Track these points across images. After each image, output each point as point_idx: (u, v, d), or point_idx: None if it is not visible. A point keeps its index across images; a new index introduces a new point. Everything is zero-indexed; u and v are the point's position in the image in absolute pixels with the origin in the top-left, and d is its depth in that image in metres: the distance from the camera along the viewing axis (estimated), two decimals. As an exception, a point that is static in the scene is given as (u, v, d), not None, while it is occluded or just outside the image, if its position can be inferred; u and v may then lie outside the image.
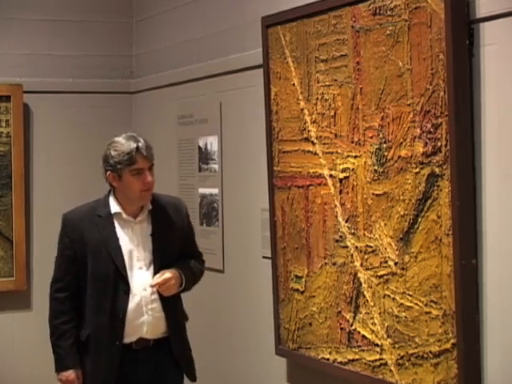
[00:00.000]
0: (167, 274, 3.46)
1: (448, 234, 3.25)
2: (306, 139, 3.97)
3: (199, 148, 5.26)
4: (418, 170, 3.41)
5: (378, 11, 3.52)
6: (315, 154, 3.92)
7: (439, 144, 3.28)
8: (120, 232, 3.42)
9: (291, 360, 4.22)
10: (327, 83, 3.87)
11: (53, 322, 3.46)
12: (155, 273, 3.42)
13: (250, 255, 4.65)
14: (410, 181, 3.45)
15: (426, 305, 3.36)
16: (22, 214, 5.61)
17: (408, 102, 3.43)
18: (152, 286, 3.46)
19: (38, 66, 5.69)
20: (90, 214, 3.46)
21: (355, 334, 3.71)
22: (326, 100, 3.87)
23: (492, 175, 3.19)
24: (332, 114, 3.80)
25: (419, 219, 3.41)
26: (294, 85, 4.09)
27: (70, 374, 3.37)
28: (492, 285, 3.20)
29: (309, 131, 3.95)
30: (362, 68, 3.65)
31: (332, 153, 3.80)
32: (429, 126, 3.33)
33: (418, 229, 3.42)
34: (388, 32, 3.46)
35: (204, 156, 5.22)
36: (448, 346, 3.27)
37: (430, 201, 3.35)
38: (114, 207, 3.46)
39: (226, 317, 4.95)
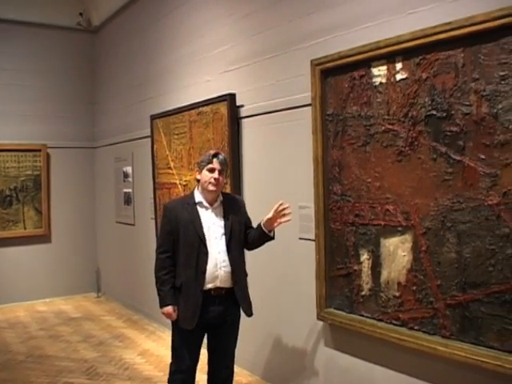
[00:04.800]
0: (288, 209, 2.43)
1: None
2: (169, 167, 3.94)
3: (123, 172, 5.10)
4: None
5: (199, 113, 3.56)
6: (173, 174, 3.90)
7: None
8: (202, 214, 2.47)
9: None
10: (178, 144, 3.85)
11: (157, 274, 2.51)
12: (226, 241, 2.48)
13: (145, 217, 4.53)
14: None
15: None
16: (46, 201, 5.43)
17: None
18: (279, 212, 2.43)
19: (52, 135, 5.47)
20: (181, 203, 2.54)
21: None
22: (178, 151, 3.85)
23: (247, 179, 3.27)
24: (180, 157, 3.80)
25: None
26: (164, 145, 4.04)
27: (170, 308, 2.47)
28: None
29: (170, 164, 3.92)
30: (193, 137, 3.66)
31: (180, 173, 3.80)
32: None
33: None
34: (204, 121, 3.50)
35: (125, 175, 5.06)
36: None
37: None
38: (198, 198, 2.50)
39: (136, 253, 4.74)
